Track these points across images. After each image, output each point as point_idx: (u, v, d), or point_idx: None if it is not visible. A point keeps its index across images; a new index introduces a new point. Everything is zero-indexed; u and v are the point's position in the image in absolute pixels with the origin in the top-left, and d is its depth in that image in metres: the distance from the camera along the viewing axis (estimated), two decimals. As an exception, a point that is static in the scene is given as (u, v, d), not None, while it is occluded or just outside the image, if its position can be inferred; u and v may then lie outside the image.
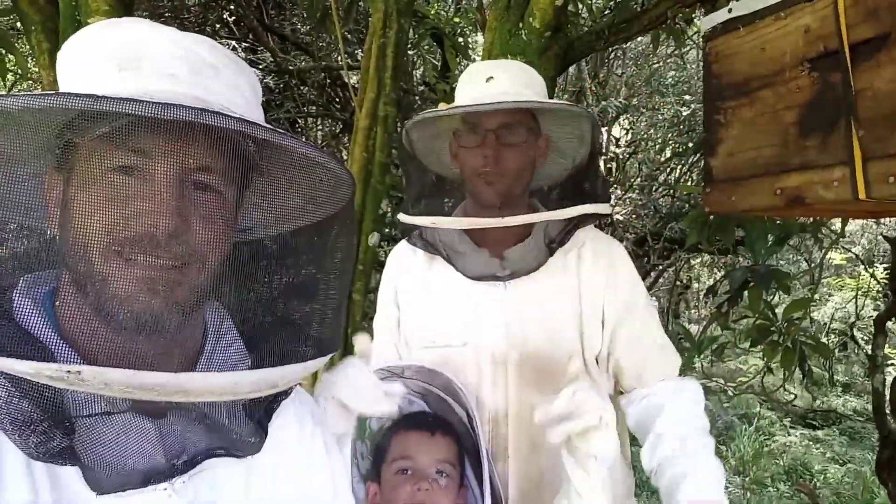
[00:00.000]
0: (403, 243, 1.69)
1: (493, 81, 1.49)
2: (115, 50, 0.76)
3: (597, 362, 1.59)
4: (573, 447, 1.15)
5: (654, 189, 6.76)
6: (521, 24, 2.47)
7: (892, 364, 6.11)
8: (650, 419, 1.50)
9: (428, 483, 1.28)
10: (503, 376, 1.52)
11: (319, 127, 6.81)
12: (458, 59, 4.59)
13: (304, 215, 0.89)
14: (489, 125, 1.46)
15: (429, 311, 1.61)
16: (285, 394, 0.87)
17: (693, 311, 10.87)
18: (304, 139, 0.81)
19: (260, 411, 0.85)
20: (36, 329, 0.73)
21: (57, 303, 0.77)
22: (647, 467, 1.48)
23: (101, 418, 0.72)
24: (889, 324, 4.98)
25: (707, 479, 1.36)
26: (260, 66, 5.55)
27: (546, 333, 1.54)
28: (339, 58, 4.43)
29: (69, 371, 0.64)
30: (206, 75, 0.78)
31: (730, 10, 1.30)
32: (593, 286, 1.55)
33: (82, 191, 0.73)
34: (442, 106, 1.48)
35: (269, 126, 0.73)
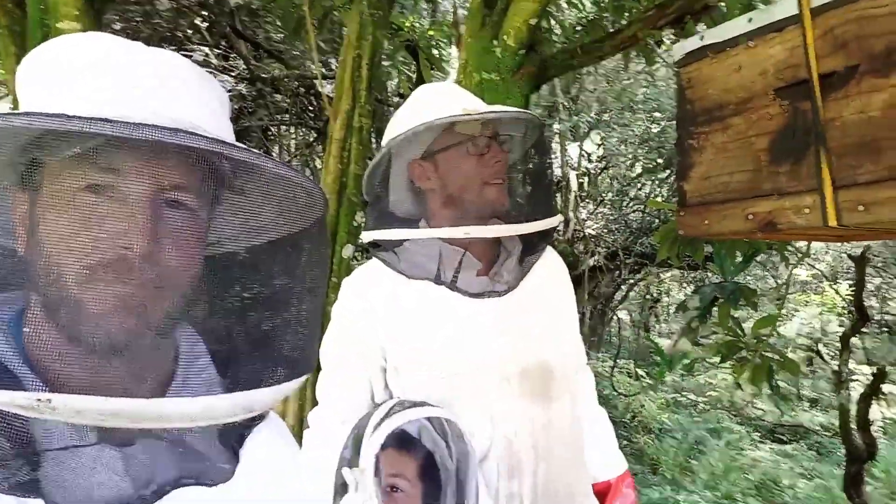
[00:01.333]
0: (376, 264, 1.58)
1: (464, 97, 1.55)
2: (80, 66, 0.74)
3: None
4: None
5: (625, 204, 6.84)
6: (495, 42, 2.48)
7: (857, 381, 6.23)
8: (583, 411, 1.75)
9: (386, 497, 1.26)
10: (509, 392, 1.50)
11: (293, 135, 6.77)
12: (432, 72, 4.60)
13: (277, 233, 0.87)
14: (487, 132, 1.50)
15: (420, 336, 1.52)
16: (260, 418, 0.85)
17: (663, 324, 10.99)
18: (275, 157, 0.79)
19: (233, 437, 0.83)
20: (2, 356, 0.70)
21: (24, 328, 0.74)
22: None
23: (68, 448, 0.69)
24: (853, 340, 5.09)
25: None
26: (232, 74, 5.51)
27: (543, 345, 1.56)
28: (314, 67, 4.41)
29: (39, 399, 0.61)
30: (171, 88, 0.77)
31: (701, 38, 1.31)
32: (562, 296, 1.67)
33: (52, 211, 0.71)
34: (465, 109, 1.43)
35: (242, 146, 0.71)
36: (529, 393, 1.52)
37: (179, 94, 0.77)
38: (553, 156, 1.59)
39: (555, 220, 1.56)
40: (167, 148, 0.70)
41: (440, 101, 1.52)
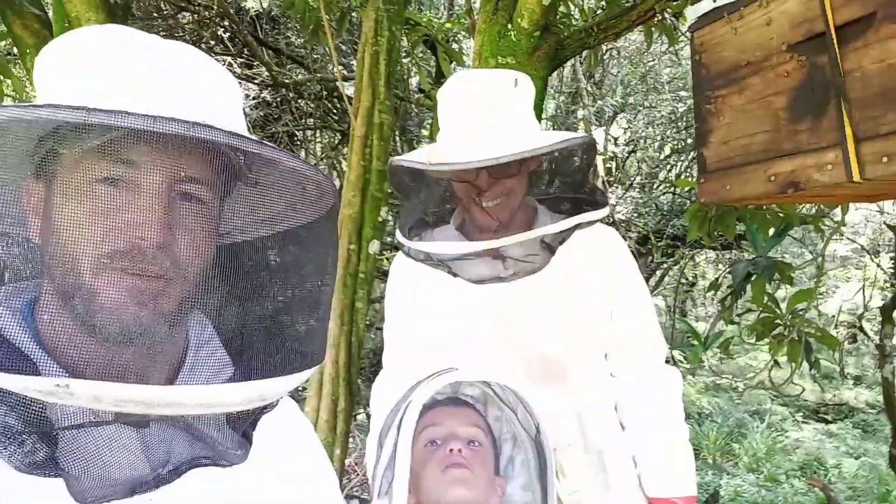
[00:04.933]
0: (400, 258, 1.69)
1: (478, 119, 1.47)
2: (99, 57, 0.75)
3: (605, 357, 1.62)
4: None
5: (654, 187, 6.75)
6: (509, 26, 2.47)
7: (902, 354, 6.06)
8: (635, 406, 1.61)
9: (461, 444, 1.20)
10: (511, 374, 1.51)
11: (318, 139, 6.83)
12: (451, 65, 4.59)
13: (289, 224, 0.89)
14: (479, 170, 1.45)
15: (434, 315, 1.61)
16: (271, 406, 0.85)
17: (700, 308, 10.84)
18: (288, 150, 0.80)
19: (247, 420, 0.84)
20: (19, 342, 0.72)
21: (39, 314, 0.76)
22: (628, 447, 1.61)
23: (85, 430, 0.71)
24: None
25: (683, 474, 1.57)
26: (256, 81, 5.57)
27: (551, 331, 1.55)
28: (334, 69, 4.43)
29: (58, 385, 0.63)
30: (190, 82, 0.78)
31: (714, 0, 1.29)
32: (599, 281, 1.58)
33: (69, 201, 0.72)
34: (430, 157, 1.45)
35: (255, 139, 0.73)
36: (537, 379, 1.52)
37: (196, 86, 0.79)
38: (572, 165, 1.58)
39: (537, 232, 1.50)
40: (184, 141, 0.71)
41: (448, 119, 1.54)
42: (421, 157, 1.48)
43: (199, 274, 0.79)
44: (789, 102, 1.15)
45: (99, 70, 0.74)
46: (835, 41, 1.06)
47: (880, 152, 1.00)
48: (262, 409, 0.84)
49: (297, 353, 0.86)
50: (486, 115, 1.46)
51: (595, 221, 1.57)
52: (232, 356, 0.87)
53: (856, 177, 1.02)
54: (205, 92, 0.80)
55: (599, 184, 1.64)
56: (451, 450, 1.18)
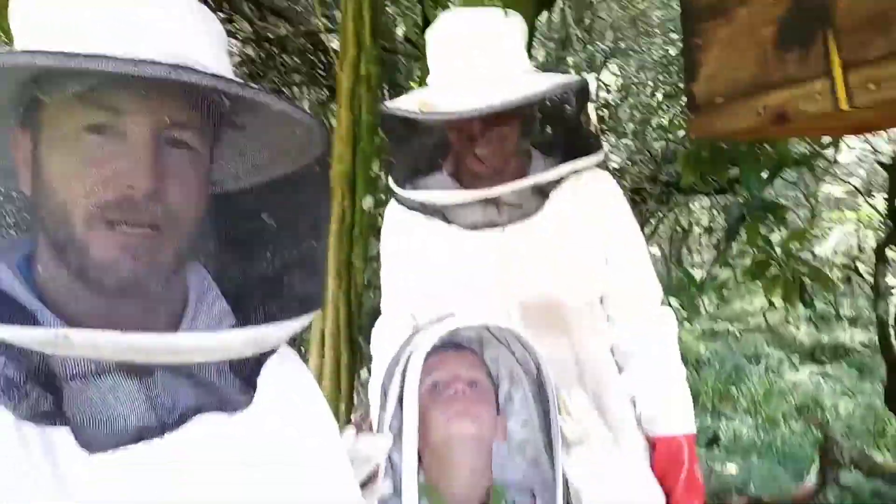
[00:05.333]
0: (393, 205, 1.69)
1: (469, 59, 1.43)
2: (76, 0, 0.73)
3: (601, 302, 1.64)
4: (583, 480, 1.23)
5: (647, 133, 6.70)
6: (496, -33, 2.40)
7: (897, 293, 6.13)
8: (632, 349, 1.64)
9: (463, 385, 1.23)
10: (508, 320, 1.53)
11: (306, 95, 6.74)
12: (436, 12, 4.50)
13: (281, 170, 0.89)
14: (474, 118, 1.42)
15: (430, 262, 1.63)
16: (273, 351, 0.86)
17: (696, 255, 10.89)
18: (276, 93, 0.79)
19: (249, 367, 0.84)
20: (17, 295, 0.72)
21: (35, 268, 0.76)
22: (627, 390, 1.65)
23: (89, 378, 0.72)
24: (889, 252, 4.97)
25: (682, 413, 1.60)
26: (238, 37, 5.46)
27: (547, 276, 1.57)
28: (318, 22, 4.35)
29: (58, 335, 0.64)
30: (173, 24, 0.76)
31: (701, -72, 1.26)
32: (593, 224, 1.59)
33: (55, 152, 0.72)
34: (418, 99, 1.43)
35: (240, 81, 0.72)
36: (532, 323, 1.52)
37: (179, 28, 0.77)
38: (565, 108, 1.54)
39: (531, 180, 1.49)
40: (169, 85, 0.69)
41: (437, 60, 1.51)
42: (411, 102, 1.46)
43: (193, 222, 0.79)
44: (777, 32, 1.13)
45: (80, 13, 0.72)
46: (822, -34, 1.04)
47: (867, 79, 0.98)
48: (264, 355, 0.85)
49: (294, 299, 0.87)
50: (475, 53, 1.44)
51: (590, 167, 1.56)
52: (231, 304, 0.87)
53: (843, 105, 1.01)
54: (191, 33, 0.78)
55: (592, 128, 1.63)
56: (455, 390, 1.21)
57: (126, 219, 0.71)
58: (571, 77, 1.46)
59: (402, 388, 1.19)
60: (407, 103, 1.47)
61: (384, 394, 1.26)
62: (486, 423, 1.23)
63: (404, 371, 1.20)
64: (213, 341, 0.75)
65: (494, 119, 1.42)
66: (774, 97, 1.14)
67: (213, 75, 0.68)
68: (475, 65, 1.43)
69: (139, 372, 0.75)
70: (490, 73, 1.42)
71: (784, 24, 1.12)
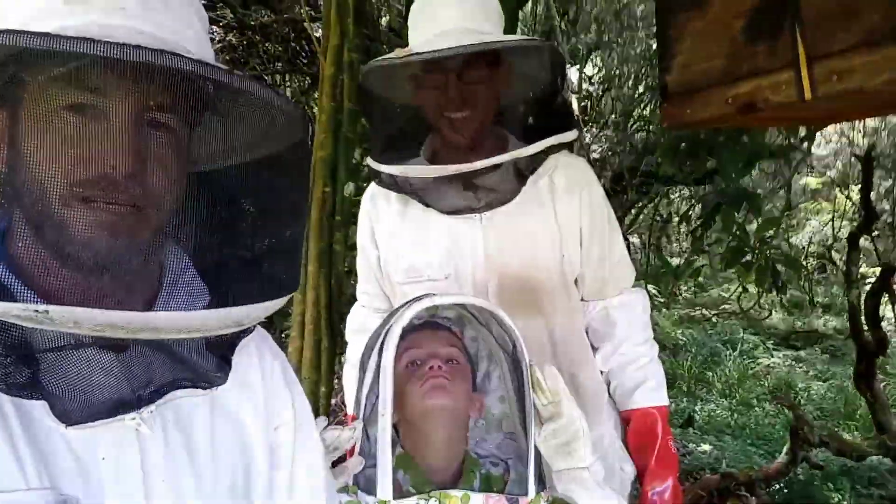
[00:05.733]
0: (374, 185, 1.70)
1: (450, 17, 1.47)
2: None
3: (575, 283, 1.65)
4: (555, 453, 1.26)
5: (629, 125, 6.75)
6: (478, -42, 2.43)
7: (869, 282, 6.26)
8: (606, 329, 1.71)
9: (440, 362, 1.25)
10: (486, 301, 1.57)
11: (288, 83, 6.70)
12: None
13: (259, 153, 0.90)
14: (448, 66, 1.45)
15: (409, 248, 1.65)
16: (248, 330, 0.88)
17: (675, 244, 11.00)
18: (256, 79, 0.81)
19: (224, 347, 0.87)
20: None
21: (11, 243, 0.77)
22: (601, 367, 1.72)
23: (66, 352, 0.73)
24: (863, 241, 5.08)
25: (655, 387, 1.67)
26: (220, 24, 5.42)
27: (524, 259, 1.60)
28: (301, 10, 4.34)
29: (37, 311, 0.64)
30: (155, 8, 0.78)
31: (676, -77, 1.30)
32: (569, 210, 1.62)
33: (34, 130, 0.72)
34: (398, 52, 1.46)
35: (223, 67, 0.74)
36: (507, 306, 1.56)
37: (162, 12, 0.78)
38: (539, 78, 1.55)
39: (508, 156, 1.50)
40: (151, 68, 0.70)
41: (419, 21, 1.54)
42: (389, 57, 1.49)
43: (171, 203, 0.80)
44: (747, 24, 1.18)
45: None
46: (790, -39, 1.09)
47: (831, 71, 1.04)
48: (240, 334, 0.87)
49: (271, 280, 0.88)
50: (454, 15, 1.47)
51: (567, 144, 1.60)
52: (209, 283, 0.88)
53: (807, 95, 1.07)
54: (173, 18, 0.80)
55: (569, 106, 1.65)
56: (432, 366, 1.24)
57: (105, 197, 0.73)
58: (545, 41, 1.49)
59: (379, 362, 1.22)
60: (386, 58, 1.49)
61: (362, 369, 1.29)
62: (462, 397, 1.27)
63: (381, 346, 1.23)
64: (191, 319, 0.77)
65: (470, 76, 1.46)
66: (743, 87, 1.20)
67: (198, 61, 0.70)
68: (455, 26, 1.46)
69: (115, 347, 0.76)
70: (465, 28, 1.45)
71: (753, 16, 1.17)
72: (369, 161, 1.62)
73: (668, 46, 1.33)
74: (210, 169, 0.92)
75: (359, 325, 1.80)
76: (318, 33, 4.02)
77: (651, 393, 1.66)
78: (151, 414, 0.81)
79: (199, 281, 0.88)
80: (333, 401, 3.96)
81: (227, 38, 5.67)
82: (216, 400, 0.91)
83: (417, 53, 1.40)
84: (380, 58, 1.50)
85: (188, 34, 0.81)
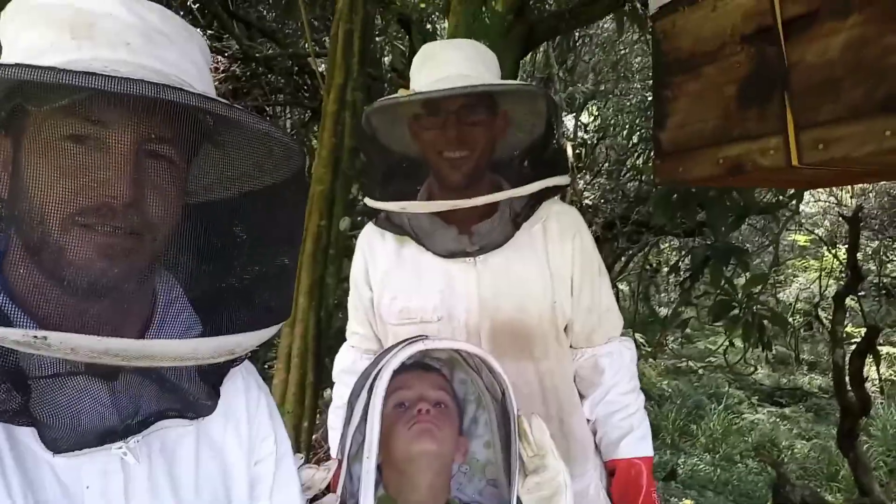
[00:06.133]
0: (371, 225, 1.72)
1: (451, 62, 1.53)
2: (66, 15, 0.76)
3: (565, 330, 1.67)
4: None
5: (622, 174, 6.86)
6: (483, 8, 2.51)
7: (855, 341, 6.32)
8: (594, 377, 1.72)
9: (428, 405, 1.25)
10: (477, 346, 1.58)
11: (288, 115, 6.78)
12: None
13: (256, 184, 0.91)
14: (448, 107, 1.50)
15: (403, 289, 1.66)
16: (240, 360, 0.89)
17: (663, 294, 11.06)
18: (255, 113, 0.83)
19: (214, 375, 0.87)
20: None
21: (8, 268, 0.77)
22: (588, 416, 1.73)
23: (56, 379, 0.74)
24: (849, 301, 5.14)
25: (641, 437, 1.66)
26: (226, 54, 5.51)
27: (517, 304, 1.61)
28: (306, 45, 4.42)
29: (35, 337, 0.65)
30: (159, 44, 0.80)
31: (675, -9, 1.36)
32: (561, 257, 1.64)
33: (39, 158, 0.73)
34: (401, 92, 1.51)
35: (225, 101, 0.75)
36: (499, 350, 1.57)
37: (166, 48, 0.81)
38: (534, 124, 1.60)
39: (503, 194, 1.53)
40: (153, 102, 0.72)
41: (422, 67, 1.59)
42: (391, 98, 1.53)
43: (167, 231, 0.81)
44: (739, 91, 1.22)
45: (67, 27, 0.75)
46: (781, 35, 1.14)
47: (817, 139, 1.08)
48: (231, 363, 0.88)
49: (264, 309, 0.89)
50: (454, 63, 1.53)
51: (560, 188, 1.63)
52: (201, 312, 0.89)
53: (794, 161, 1.10)
54: (177, 52, 0.82)
55: (562, 151, 1.69)
56: (420, 410, 1.24)
57: (104, 225, 0.74)
58: (542, 88, 1.53)
59: (367, 402, 1.22)
60: (390, 98, 1.53)
61: (350, 407, 1.29)
62: (448, 443, 1.26)
63: (371, 386, 1.23)
64: (185, 347, 0.77)
65: (468, 118, 1.51)
66: (734, 149, 1.23)
67: (198, 95, 0.72)
68: (451, 65, 1.52)
69: (105, 375, 0.77)
70: (464, 74, 1.50)
71: (745, 83, 1.22)
72: (367, 200, 1.64)
73: (664, 106, 1.38)
74: (207, 199, 0.93)
75: (347, 366, 1.80)
76: (321, 68, 4.10)
77: (637, 443, 1.65)
78: (138, 443, 0.81)
79: (191, 309, 0.89)
80: (315, 436, 3.93)
81: (231, 69, 5.76)
82: (201, 430, 0.91)
83: (420, 93, 1.45)
84: (384, 98, 1.54)
85: (190, 68, 0.83)
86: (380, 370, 1.22)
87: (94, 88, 0.67)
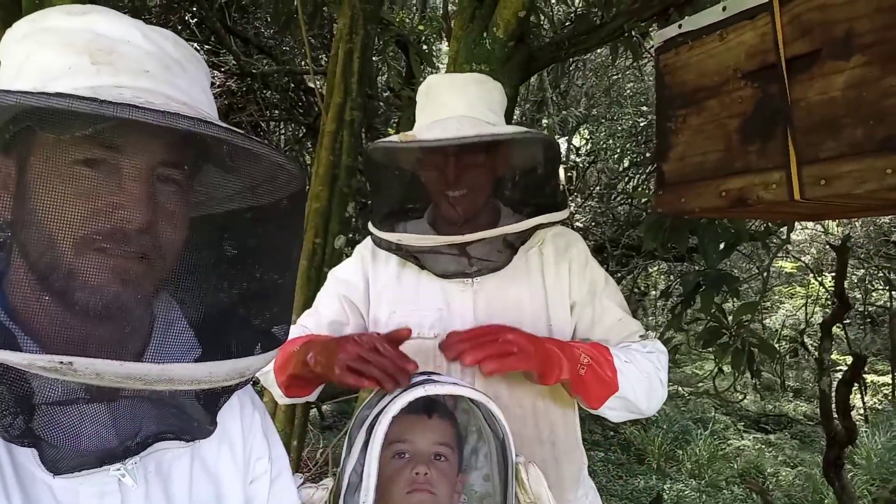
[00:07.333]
0: (370, 242, 1.74)
1: (453, 105, 1.56)
2: (84, 40, 0.76)
3: None
4: None
5: (612, 197, 6.92)
6: (485, 34, 2.54)
7: (840, 369, 6.37)
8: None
9: (426, 467, 1.24)
10: (471, 368, 1.59)
11: (282, 131, 6.81)
12: (422, 67, 4.66)
13: (261, 208, 0.92)
14: (448, 151, 1.52)
15: (401, 303, 1.66)
16: (243, 383, 0.89)
17: (651, 318, 11.11)
18: (266, 142, 0.84)
19: (218, 398, 0.87)
20: (14, 319, 0.74)
21: (9, 289, 0.77)
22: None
23: (57, 402, 0.74)
24: (835, 329, 5.19)
25: (628, 363, 1.51)
26: (222, 69, 5.54)
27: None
28: (305, 62, 4.45)
29: (62, 362, 0.66)
30: (175, 72, 0.81)
31: (679, 27, 1.39)
32: (558, 279, 1.65)
33: (49, 181, 0.73)
34: (402, 136, 1.53)
35: (253, 137, 0.77)
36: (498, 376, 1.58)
37: (180, 76, 0.82)
38: (534, 165, 1.62)
39: (499, 231, 1.54)
40: (175, 131, 0.72)
41: (426, 105, 1.62)
42: (393, 139, 1.55)
43: (174, 253, 0.82)
44: (741, 125, 1.25)
45: (87, 53, 0.75)
46: (784, 73, 1.17)
47: (819, 175, 1.10)
48: (237, 386, 0.87)
49: (269, 331, 0.90)
50: (457, 104, 1.55)
51: (556, 223, 1.64)
52: (211, 335, 0.89)
53: (796, 196, 1.13)
54: (189, 79, 0.83)
55: (560, 188, 1.70)
56: (417, 472, 1.23)
57: (117, 247, 0.74)
58: (540, 133, 1.54)
59: (366, 442, 1.22)
60: (389, 141, 1.56)
61: (349, 442, 1.29)
62: (445, 495, 1.27)
63: (371, 427, 1.23)
64: (202, 371, 0.77)
65: (469, 161, 1.53)
66: (736, 182, 1.26)
67: (221, 126, 0.73)
68: (454, 107, 1.54)
69: (105, 397, 0.77)
70: (465, 116, 1.52)
71: (748, 118, 1.24)
72: (370, 227, 1.66)
73: (666, 137, 1.40)
74: (214, 222, 0.93)
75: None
76: (317, 84, 4.12)
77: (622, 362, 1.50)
78: (135, 465, 0.82)
79: (190, 332, 0.89)
80: (304, 452, 3.90)
81: (228, 84, 5.79)
82: (196, 451, 0.91)
83: (418, 141, 1.48)
84: (384, 139, 1.57)
85: (200, 95, 0.85)
86: (378, 418, 1.21)
87: (138, 121, 0.67)
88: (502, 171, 1.66)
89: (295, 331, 1.66)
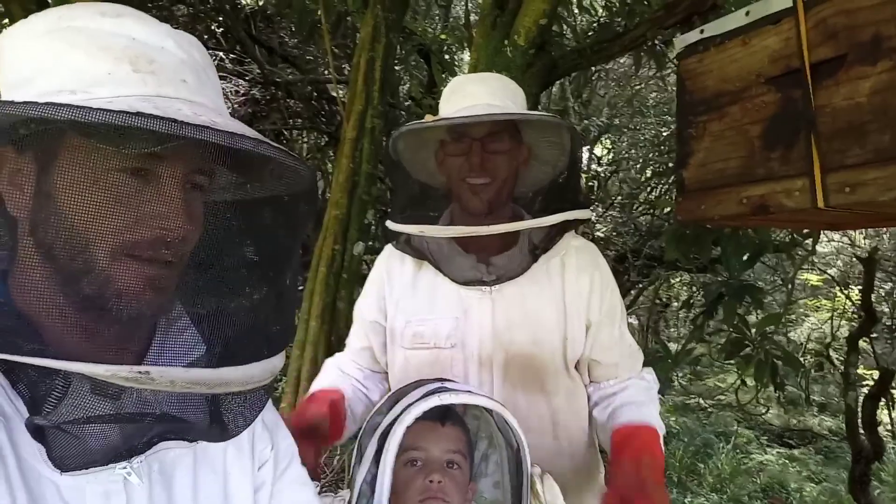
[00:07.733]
0: (391, 247, 1.73)
1: (477, 94, 1.56)
2: (121, 45, 0.76)
3: (576, 366, 1.66)
4: None
5: (634, 207, 6.87)
6: (506, 42, 2.55)
7: (866, 383, 6.23)
8: (609, 399, 1.66)
9: (440, 475, 1.25)
10: (489, 376, 1.58)
11: (305, 139, 6.86)
12: (444, 76, 4.68)
13: (276, 212, 0.93)
14: (474, 134, 1.52)
15: (416, 313, 1.66)
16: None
17: (672, 329, 11.00)
18: (297, 157, 0.85)
19: (234, 403, 0.87)
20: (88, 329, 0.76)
21: (12, 288, 0.76)
22: (599, 427, 1.66)
23: (66, 400, 0.74)
24: (861, 343, 5.09)
25: (650, 407, 1.57)
26: (247, 78, 5.60)
27: (530, 336, 1.60)
28: (328, 71, 4.49)
29: (140, 372, 0.69)
30: (202, 80, 0.82)
31: (701, 32, 1.38)
32: (578, 293, 1.62)
33: (84, 187, 0.72)
34: (428, 118, 1.53)
35: (276, 145, 0.77)
36: (510, 381, 1.58)
37: (208, 84, 0.83)
38: (557, 156, 1.60)
39: (523, 224, 1.53)
40: (212, 144, 0.72)
41: (451, 97, 1.62)
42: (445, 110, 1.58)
43: (187, 256, 0.83)
44: (764, 131, 1.23)
45: (126, 59, 0.75)
46: (809, 78, 1.15)
47: (843, 182, 1.08)
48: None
49: (284, 330, 0.92)
50: (482, 93, 1.56)
51: (580, 221, 1.62)
52: (236, 336, 0.88)
53: (820, 203, 1.11)
54: (213, 87, 0.85)
55: (581, 188, 1.70)
56: (431, 481, 1.23)
57: (154, 256, 0.76)
58: (567, 121, 1.54)
59: (378, 449, 1.23)
60: (416, 122, 1.56)
61: (360, 449, 1.29)
62: (458, 503, 1.27)
63: (384, 435, 1.23)
64: (251, 371, 0.80)
65: (492, 147, 1.53)
66: (757, 189, 1.24)
67: (275, 147, 0.75)
68: (478, 95, 1.56)
69: (111, 396, 0.77)
70: (491, 104, 1.53)
71: (771, 124, 1.22)
72: (388, 223, 1.65)
73: (687, 144, 1.39)
74: (236, 226, 0.93)
75: (331, 362, 1.83)
76: (340, 94, 4.16)
77: (647, 415, 1.53)
78: (141, 463, 0.82)
79: (193, 329, 0.89)
80: (322, 458, 3.90)
81: (252, 92, 5.86)
82: (199, 450, 0.92)
83: (446, 118, 1.48)
84: (411, 122, 1.57)
85: (221, 102, 0.87)
86: (392, 426, 1.21)
87: (199, 139, 0.69)
88: (526, 162, 1.64)
89: (332, 369, 1.79)
